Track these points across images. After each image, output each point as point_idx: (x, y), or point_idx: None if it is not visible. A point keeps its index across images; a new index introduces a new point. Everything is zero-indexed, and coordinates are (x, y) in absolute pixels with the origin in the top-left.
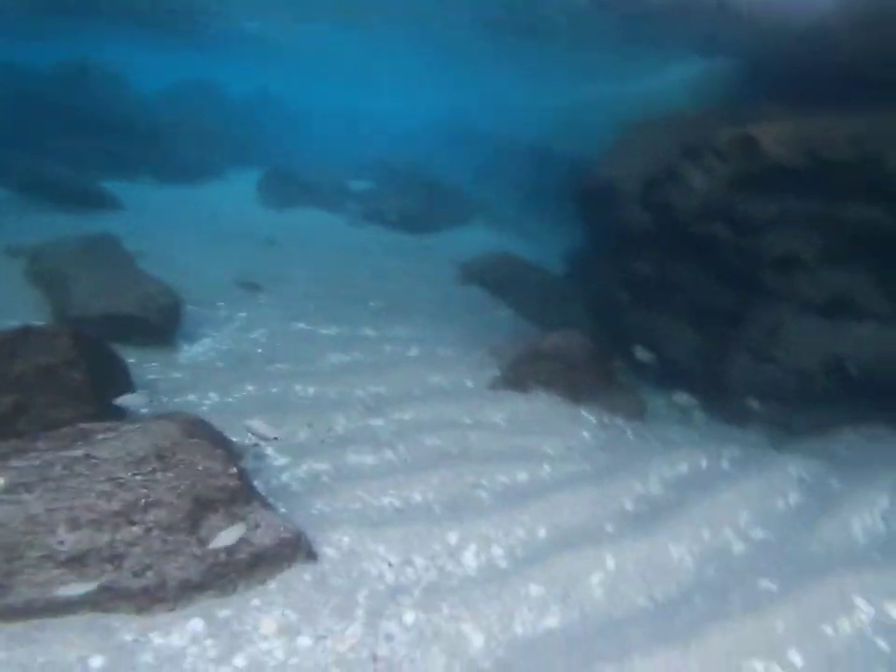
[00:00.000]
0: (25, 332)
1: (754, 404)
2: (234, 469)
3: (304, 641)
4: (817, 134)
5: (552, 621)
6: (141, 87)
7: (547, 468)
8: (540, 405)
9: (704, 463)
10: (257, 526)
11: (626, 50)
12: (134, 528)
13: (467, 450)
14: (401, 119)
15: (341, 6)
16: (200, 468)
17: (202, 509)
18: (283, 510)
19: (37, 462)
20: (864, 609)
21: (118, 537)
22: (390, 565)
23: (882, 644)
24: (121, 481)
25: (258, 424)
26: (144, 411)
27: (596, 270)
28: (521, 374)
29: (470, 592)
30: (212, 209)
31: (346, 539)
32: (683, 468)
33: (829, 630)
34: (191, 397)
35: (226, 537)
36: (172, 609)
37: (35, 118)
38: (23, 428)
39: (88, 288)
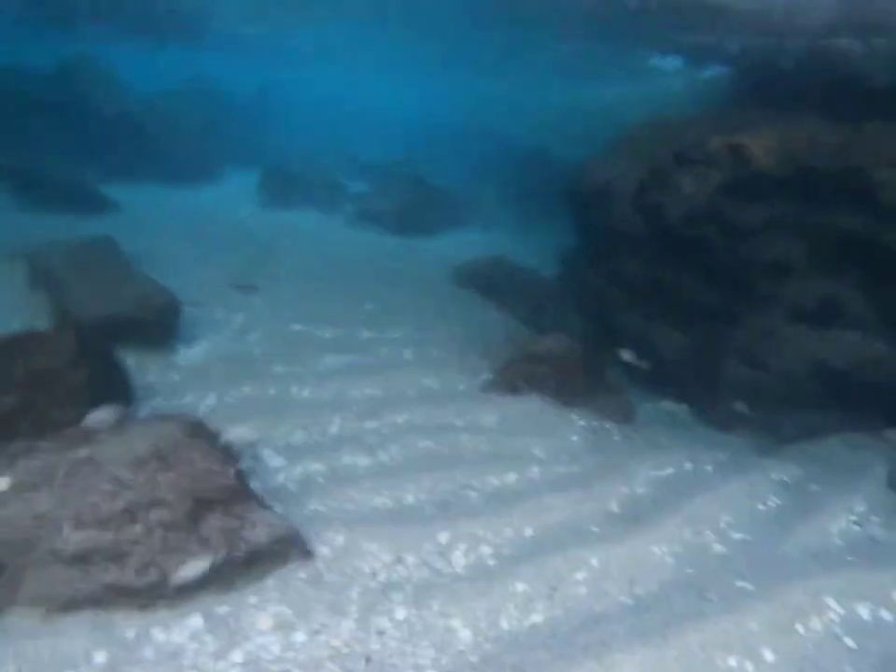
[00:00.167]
0: (28, 335)
1: (742, 409)
2: (232, 470)
3: (299, 636)
4: (802, 144)
5: (537, 617)
6: (138, 86)
7: (536, 469)
8: (531, 408)
9: (689, 466)
10: (254, 525)
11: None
12: (137, 527)
13: (458, 452)
14: (395, 119)
15: (334, 6)
16: (199, 468)
17: (201, 508)
18: (279, 509)
19: (42, 463)
20: (835, 610)
21: (121, 536)
22: (383, 563)
23: (850, 643)
24: (124, 481)
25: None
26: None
27: (588, 272)
28: (512, 377)
29: (459, 589)
30: (209, 210)
31: (340, 538)
32: (669, 471)
33: (800, 629)
34: (189, 398)
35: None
36: (172, 607)
37: (31, 118)
38: (26, 429)
39: (86, 291)
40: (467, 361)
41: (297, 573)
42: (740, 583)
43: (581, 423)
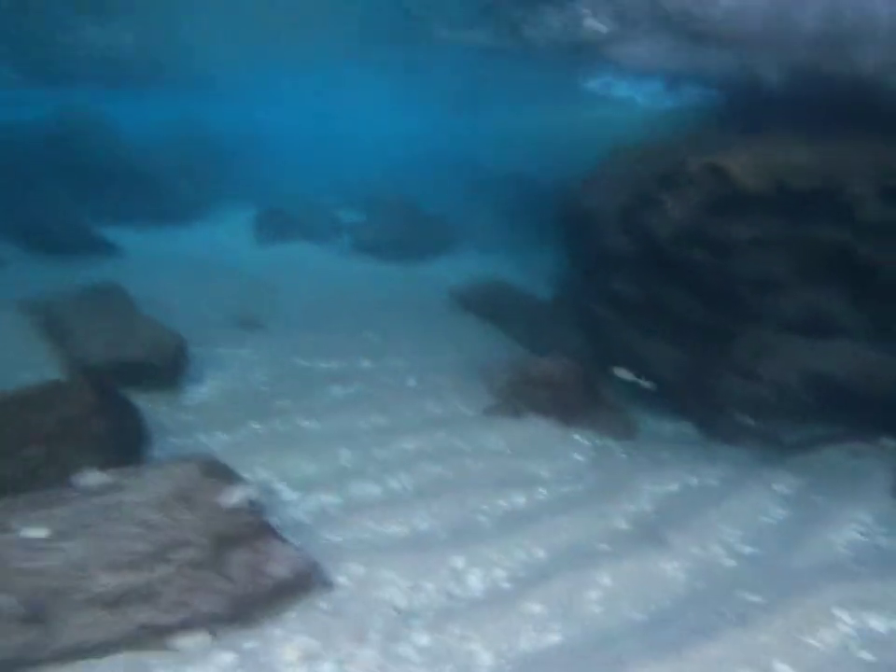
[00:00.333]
0: (50, 386)
1: (741, 422)
2: (252, 506)
3: (326, 666)
4: (781, 163)
5: (554, 637)
6: (130, 131)
7: (543, 491)
8: (534, 430)
9: (693, 481)
10: (275, 560)
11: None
12: (166, 568)
13: (466, 476)
14: (386, 147)
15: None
16: (220, 506)
17: (225, 545)
18: (296, 542)
19: (73, 510)
20: (846, 620)
21: (152, 576)
22: (401, 590)
23: (866, 655)
24: (151, 523)
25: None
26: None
27: (583, 293)
28: (514, 400)
29: (478, 613)
30: (207, 249)
31: (358, 568)
32: (674, 486)
33: (812, 641)
34: (201, 437)
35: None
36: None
37: (32, 172)
38: (53, 477)
39: (96, 338)
40: (469, 386)
41: (318, 604)
42: (751, 597)
43: (585, 442)
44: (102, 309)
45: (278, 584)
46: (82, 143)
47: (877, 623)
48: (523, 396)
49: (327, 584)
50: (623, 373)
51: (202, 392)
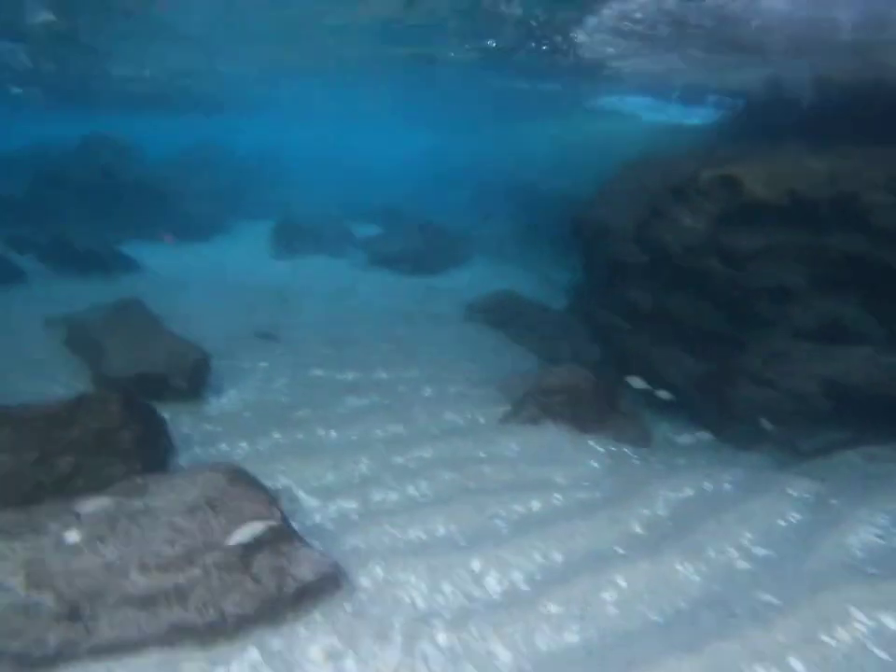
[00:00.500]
0: (80, 400)
1: (756, 428)
2: (277, 512)
3: (350, 665)
4: (792, 173)
5: (571, 637)
6: (151, 152)
7: (559, 496)
8: (550, 437)
9: (708, 486)
10: (300, 563)
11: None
12: (195, 570)
13: (483, 482)
14: (401, 163)
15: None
16: (246, 512)
17: (251, 549)
18: (319, 547)
19: (106, 515)
20: (861, 620)
21: (182, 578)
22: (421, 592)
23: (882, 654)
24: (180, 527)
25: None
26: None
27: (597, 303)
28: (529, 408)
29: (496, 613)
30: (225, 264)
31: (379, 571)
32: (688, 491)
33: (828, 639)
34: (223, 446)
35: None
36: (231, 643)
37: (57, 193)
38: (82, 486)
39: (121, 352)
40: (485, 395)
41: (342, 605)
42: (766, 598)
43: (600, 449)
44: (126, 324)
45: (303, 586)
46: (107, 166)
47: (893, 623)
48: (538, 404)
49: (350, 586)
50: (637, 382)
51: (223, 403)
